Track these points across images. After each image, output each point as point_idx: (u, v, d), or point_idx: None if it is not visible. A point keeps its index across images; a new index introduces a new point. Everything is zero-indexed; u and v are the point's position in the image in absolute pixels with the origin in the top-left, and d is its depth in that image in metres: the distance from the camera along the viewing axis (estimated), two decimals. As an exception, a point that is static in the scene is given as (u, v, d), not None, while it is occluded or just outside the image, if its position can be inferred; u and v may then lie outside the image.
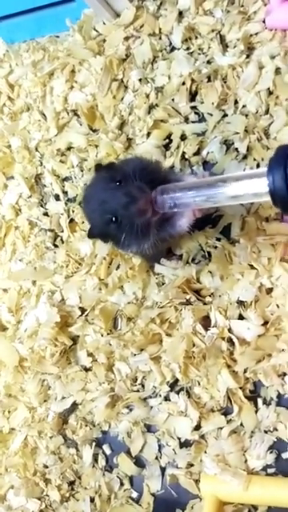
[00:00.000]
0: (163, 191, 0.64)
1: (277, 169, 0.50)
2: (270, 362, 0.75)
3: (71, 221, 0.98)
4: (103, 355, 0.86)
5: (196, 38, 0.94)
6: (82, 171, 0.99)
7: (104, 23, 1.02)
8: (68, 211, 0.99)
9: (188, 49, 0.94)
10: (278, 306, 0.77)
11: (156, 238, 0.71)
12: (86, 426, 0.87)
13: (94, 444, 0.86)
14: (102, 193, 0.69)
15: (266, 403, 0.76)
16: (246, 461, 0.75)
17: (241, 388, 0.77)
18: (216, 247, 0.84)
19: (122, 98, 0.98)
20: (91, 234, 0.73)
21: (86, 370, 0.89)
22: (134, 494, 0.82)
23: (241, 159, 0.86)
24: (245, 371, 0.77)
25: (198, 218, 0.74)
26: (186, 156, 0.90)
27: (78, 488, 0.86)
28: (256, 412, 0.76)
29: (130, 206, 0.64)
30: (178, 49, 0.95)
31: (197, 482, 0.77)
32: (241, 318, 0.79)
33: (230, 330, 0.79)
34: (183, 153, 0.90)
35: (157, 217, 0.68)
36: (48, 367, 0.90)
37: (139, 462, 0.83)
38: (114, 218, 0.66)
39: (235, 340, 0.77)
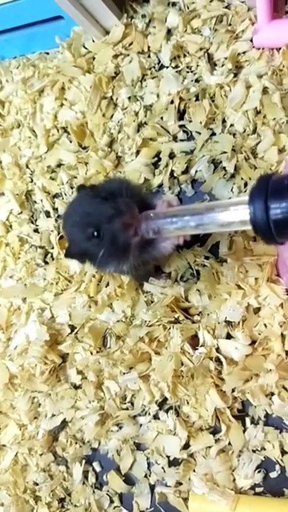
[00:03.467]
0: (148, 217, 0.64)
1: (257, 200, 0.50)
2: (257, 382, 0.76)
3: (61, 237, 0.97)
4: (93, 373, 0.86)
5: (184, 56, 0.94)
6: (71, 188, 0.99)
7: (93, 41, 1.02)
8: (58, 228, 0.98)
9: (176, 67, 0.94)
10: (265, 326, 0.78)
11: (138, 261, 0.70)
12: (76, 443, 0.87)
13: (83, 461, 0.86)
14: (85, 206, 0.66)
15: (254, 422, 0.77)
16: (234, 480, 0.75)
17: (229, 407, 0.77)
18: (204, 266, 0.84)
19: (112, 116, 0.97)
20: (69, 253, 0.70)
21: (76, 387, 0.89)
22: (124, 512, 0.82)
23: (228, 178, 0.86)
24: (233, 391, 0.77)
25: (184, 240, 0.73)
26: (175, 174, 0.90)
27: (68, 505, 0.86)
28: (244, 431, 0.77)
29: (114, 219, 0.61)
30: (167, 67, 0.95)
31: (185, 500, 0.77)
32: (229, 337, 0.80)
33: (217, 350, 0.79)
34: (172, 171, 0.90)
35: (138, 238, 0.65)
36: (38, 385, 0.89)
37: (129, 480, 0.83)
38: (95, 233, 0.63)
39: (223, 360, 0.78)
